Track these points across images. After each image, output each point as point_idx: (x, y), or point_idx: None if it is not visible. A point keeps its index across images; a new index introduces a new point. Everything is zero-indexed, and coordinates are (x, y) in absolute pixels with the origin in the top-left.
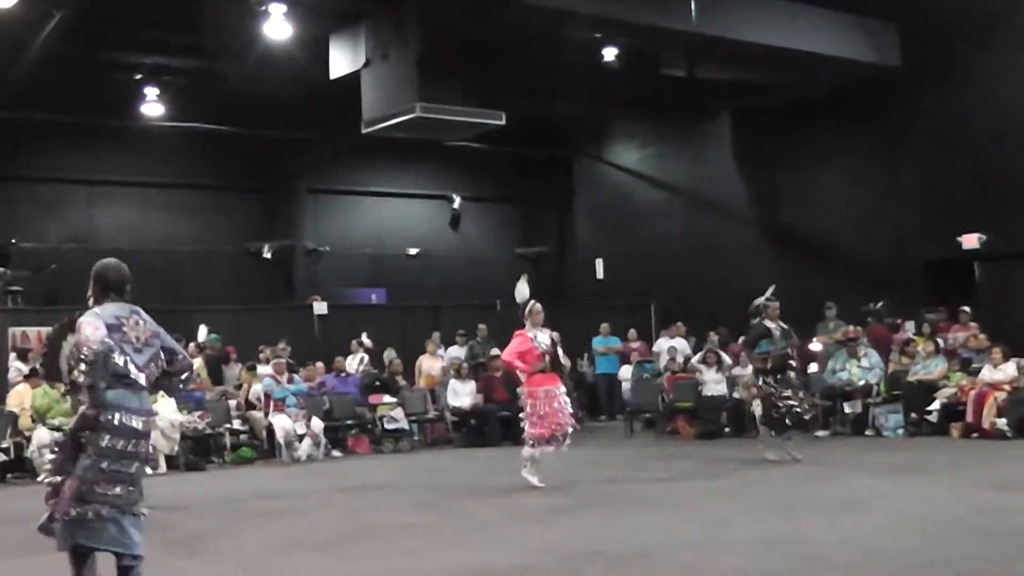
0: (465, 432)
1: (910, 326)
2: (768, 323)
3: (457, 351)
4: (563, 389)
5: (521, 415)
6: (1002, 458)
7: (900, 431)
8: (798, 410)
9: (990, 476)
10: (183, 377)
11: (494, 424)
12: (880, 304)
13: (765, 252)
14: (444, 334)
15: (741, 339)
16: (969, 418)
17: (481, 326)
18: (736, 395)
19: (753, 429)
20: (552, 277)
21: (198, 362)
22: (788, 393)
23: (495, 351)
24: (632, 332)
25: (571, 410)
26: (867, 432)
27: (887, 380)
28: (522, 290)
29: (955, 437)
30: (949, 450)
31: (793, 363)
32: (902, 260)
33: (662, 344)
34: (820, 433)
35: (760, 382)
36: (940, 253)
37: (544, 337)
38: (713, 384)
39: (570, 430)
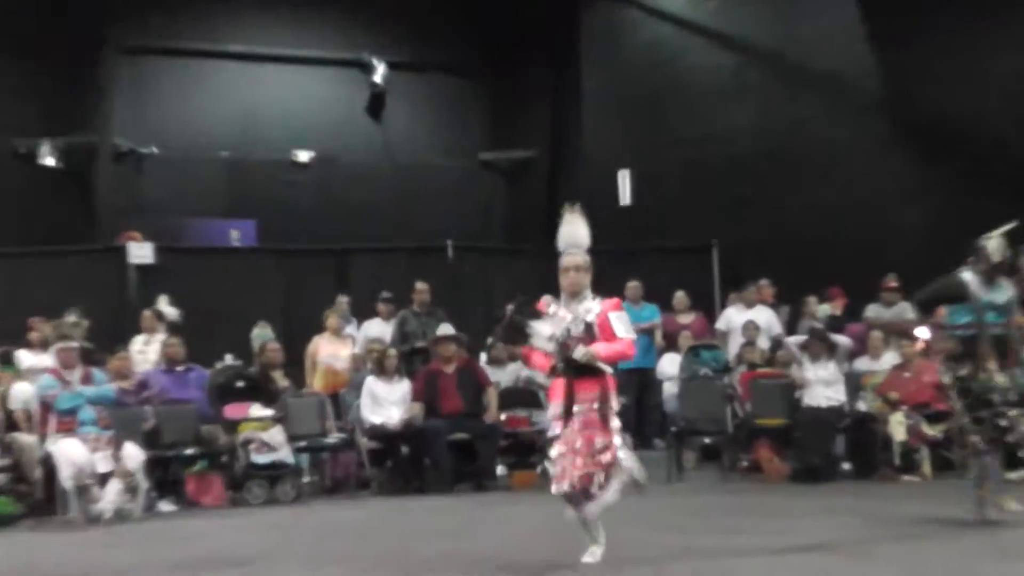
0: (391, 468)
1: None
2: (972, 277)
3: (379, 329)
4: (591, 406)
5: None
6: None
7: None
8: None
9: None
10: None
11: (441, 454)
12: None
13: (901, 160)
14: (357, 299)
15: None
16: None
17: (420, 286)
18: (862, 406)
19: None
20: (542, 202)
21: None
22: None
23: (445, 328)
24: (680, 297)
25: (608, 441)
26: None
27: None
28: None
29: None
30: None
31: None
32: None
33: (732, 318)
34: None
35: (953, 387)
36: None
37: (576, 311)
38: (821, 388)
39: (600, 477)
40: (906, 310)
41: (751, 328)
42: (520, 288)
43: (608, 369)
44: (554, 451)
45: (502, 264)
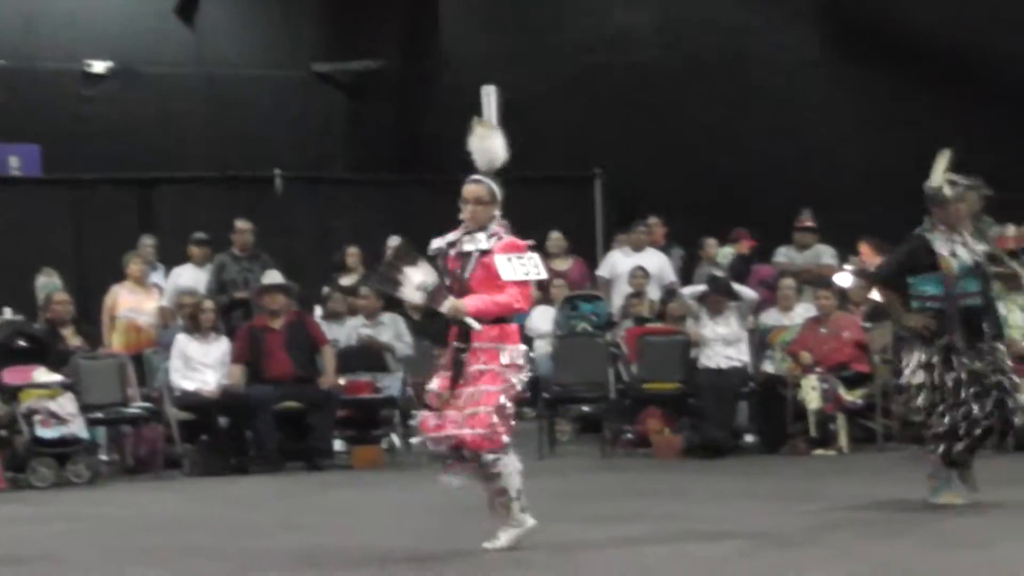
0: (206, 444)
1: None
2: (939, 237)
3: (191, 277)
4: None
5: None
6: None
7: None
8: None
9: None
10: None
11: (267, 427)
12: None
13: (838, 76)
14: (164, 241)
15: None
16: None
17: (242, 225)
18: (770, 368)
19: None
20: (391, 124)
21: None
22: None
23: (271, 276)
24: (556, 239)
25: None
26: None
27: None
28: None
29: None
30: None
31: (993, 324)
32: None
33: (617, 263)
34: None
35: (915, 364)
36: None
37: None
38: (722, 346)
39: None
40: (823, 253)
41: (639, 275)
42: (365, 227)
43: (476, 325)
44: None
45: (342, 199)
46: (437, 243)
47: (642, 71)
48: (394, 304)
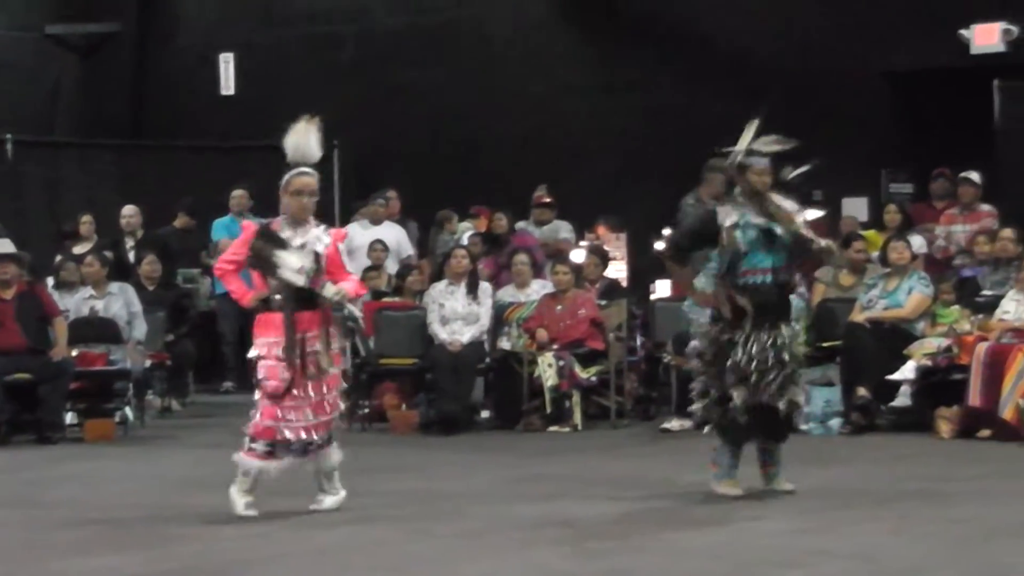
0: None
1: (857, 207)
2: (728, 209)
3: None
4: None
5: None
6: None
7: (835, 423)
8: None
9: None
10: None
11: None
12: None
13: (568, 42)
14: None
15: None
16: (974, 399)
17: None
18: (506, 344)
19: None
20: (125, 89)
21: None
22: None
23: (3, 246)
24: None
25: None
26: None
27: (808, 317)
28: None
29: (944, 435)
30: (937, 464)
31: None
32: (846, 72)
33: (355, 236)
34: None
35: (701, 340)
36: (924, 60)
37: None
38: (459, 322)
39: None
40: (560, 229)
41: (377, 249)
42: (98, 194)
43: (357, 311)
44: (270, 391)
45: (74, 164)
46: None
47: (377, 41)
48: (123, 273)
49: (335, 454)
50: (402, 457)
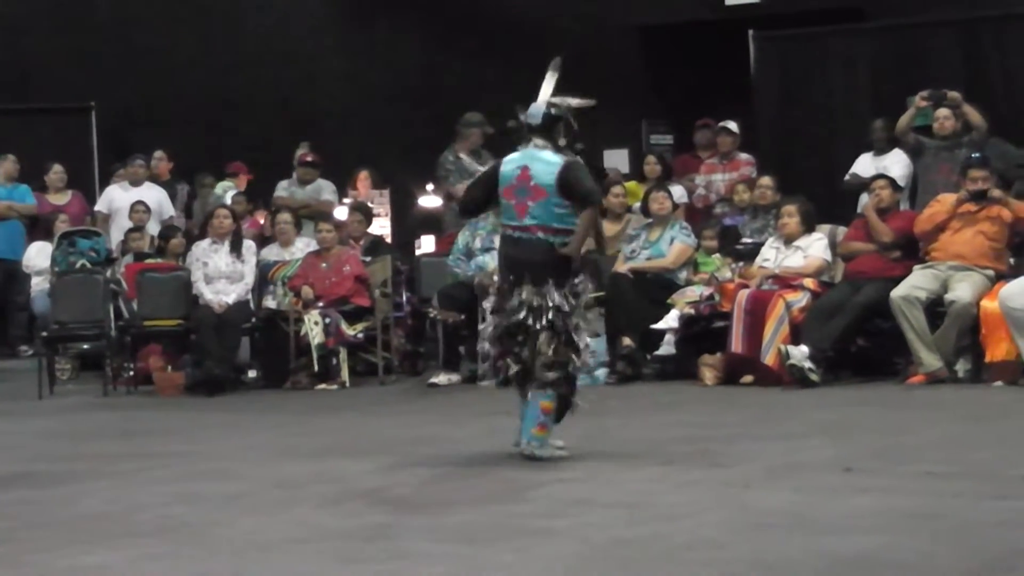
0: None
1: (619, 159)
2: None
3: None
4: None
5: None
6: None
7: (600, 373)
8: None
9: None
10: None
11: None
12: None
13: (329, 4)
14: None
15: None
16: (736, 346)
17: None
18: (271, 303)
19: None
20: None
21: None
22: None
23: None
24: (57, 171)
25: None
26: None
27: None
28: None
29: (708, 382)
30: (701, 411)
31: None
32: (602, 25)
33: (116, 198)
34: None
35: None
36: (680, 13)
37: None
38: (224, 282)
39: None
40: (323, 188)
41: (139, 210)
42: None
43: None
44: None
45: None
46: None
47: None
48: None
49: None
50: (168, 419)
